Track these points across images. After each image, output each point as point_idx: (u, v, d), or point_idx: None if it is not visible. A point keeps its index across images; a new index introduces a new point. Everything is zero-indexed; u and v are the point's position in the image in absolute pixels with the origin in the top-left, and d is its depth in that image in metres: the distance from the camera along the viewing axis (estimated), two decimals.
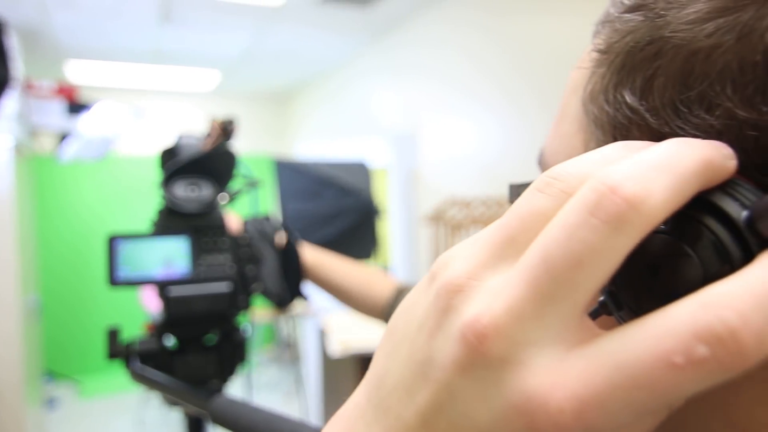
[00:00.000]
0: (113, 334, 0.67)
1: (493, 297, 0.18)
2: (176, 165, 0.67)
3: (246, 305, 0.71)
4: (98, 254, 5.15)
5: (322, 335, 1.54)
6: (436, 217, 1.78)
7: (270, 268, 0.74)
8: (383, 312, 0.86)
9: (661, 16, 0.22)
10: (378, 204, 2.96)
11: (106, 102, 3.74)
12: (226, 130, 0.75)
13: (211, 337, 0.72)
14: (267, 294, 0.73)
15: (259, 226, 0.75)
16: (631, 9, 0.24)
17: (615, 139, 0.24)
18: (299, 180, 2.51)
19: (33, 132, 3.46)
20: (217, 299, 0.67)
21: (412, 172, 3.39)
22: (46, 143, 3.92)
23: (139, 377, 0.64)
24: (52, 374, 4.81)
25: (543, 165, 0.33)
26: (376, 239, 2.62)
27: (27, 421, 2.96)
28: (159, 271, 0.66)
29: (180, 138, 0.71)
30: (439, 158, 3.26)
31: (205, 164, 0.69)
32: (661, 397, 0.15)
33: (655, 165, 0.17)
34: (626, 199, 0.16)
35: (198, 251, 0.68)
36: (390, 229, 3.35)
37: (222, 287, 0.68)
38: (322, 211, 2.35)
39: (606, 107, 0.24)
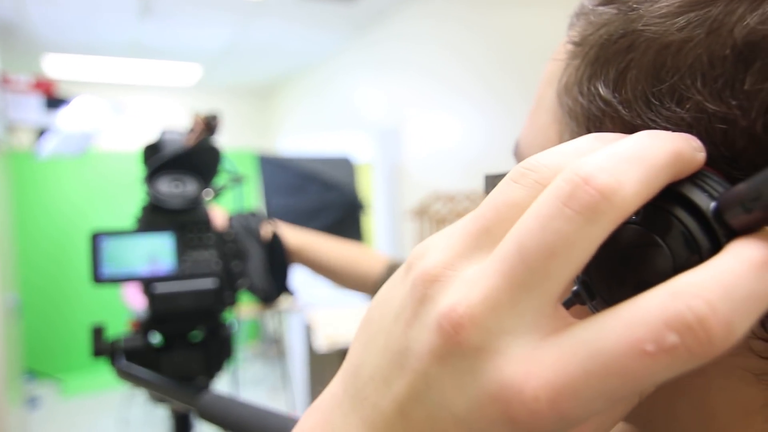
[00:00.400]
0: (98, 332, 0.66)
1: (469, 287, 0.18)
2: (160, 160, 0.67)
3: (232, 301, 0.71)
4: (79, 251, 5.08)
5: (308, 330, 1.54)
6: (421, 212, 1.79)
7: (256, 263, 0.74)
8: (374, 288, 0.86)
9: (634, 9, 0.22)
10: (362, 199, 2.96)
11: (85, 96, 3.68)
12: (209, 125, 0.75)
13: (197, 334, 0.72)
14: (253, 290, 0.73)
15: (244, 222, 0.75)
16: (606, 2, 0.24)
17: (589, 131, 0.24)
18: (283, 175, 2.50)
19: (10, 127, 3.39)
20: (202, 295, 0.67)
21: (395, 166, 3.40)
22: (24, 139, 3.85)
23: (124, 375, 0.64)
24: (33, 373, 4.75)
25: (518, 156, 0.33)
26: (360, 234, 2.62)
27: (9, 422, 2.92)
28: (143, 268, 0.66)
29: (163, 133, 0.70)
30: (423, 153, 3.27)
31: (189, 160, 0.68)
32: (633, 385, 0.15)
33: (626, 156, 0.17)
34: (599, 189, 0.16)
35: (183, 247, 0.68)
36: (374, 223, 3.35)
37: (207, 283, 0.67)
38: (306, 206, 2.35)
39: (580, 99, 0.25)
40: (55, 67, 4.42)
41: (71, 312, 5.05)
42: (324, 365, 1.44)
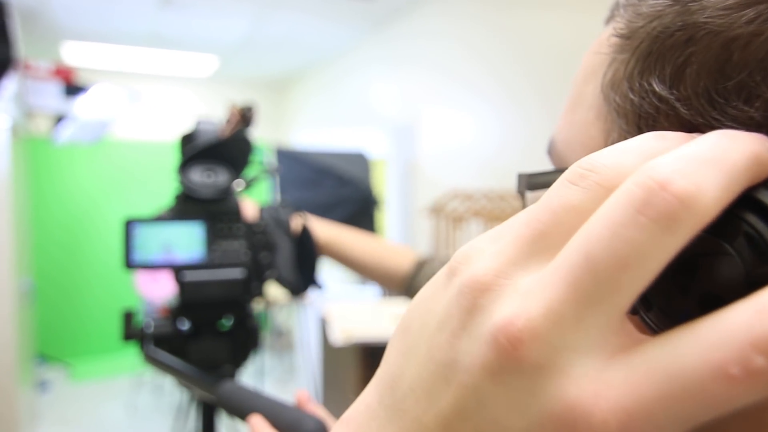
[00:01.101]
0: (128, 317, 0.67)
1: (528, 298, 0.16)
2: (193, 150, 0.67)
3: (259, 292, 0.72)
4: (92, 238, 5.13)
5: (323, 323, 1.55)
6: (437, 209, 1.79)
7: (285, 255, 0.74)
8: (403, 284, 0.86)
9: (693, 0, 0.21)
10: (377, 194, 2.97)
11: (102, 85, 3.70)
12: (245, 116, 0.75)
13: (225, 323, 0.73)
14: (281, 281, 0.74)
15: (275, 214, 0.75)
16: None
17: (640, 129, 0.23)
18: (298, 168, 2.50)
19: (29, 113, 3.42)
20: (230, 285, 0.68)
21: (409, 163, 3.40)
22: (42, 125, 3.89)
23: (151, 360, 0.65)
24: (43, 357, 4.80)
25: (555, 155, 0.32)
26: (374, 229, 2.63)
27: (19, 404, 2.96)
28: (174, 256, 0.66)
29: (198, 123, 0.71)
30: (437, 150, 3.27)
31: (221, 150, 0.69)
32: (712, 410, 0.14)
33: (704, 159, 0.16)
34: (677, 196, 0.15)
35: (213, 237, 0.68)
36: (387, 219, 3.35)
37: (236, 273, 0.68)
38: (321, 200, 2.35)
39: (630, 95, 0.23)
40: (73, 54, 4.45)
41: (82, 298, 5.10)
42: (339, 359, 1.45)
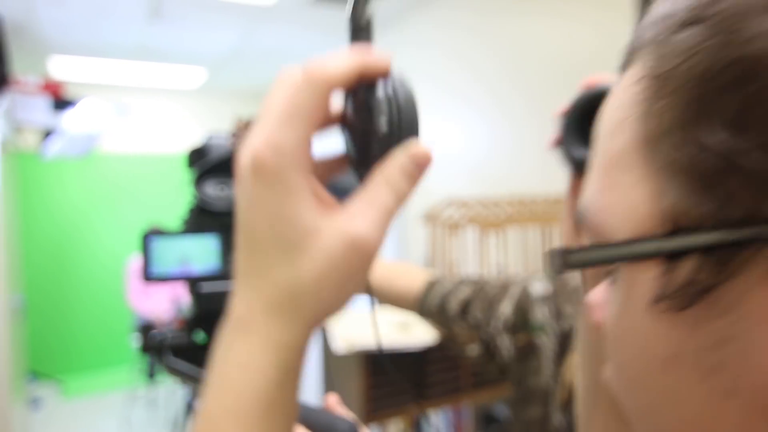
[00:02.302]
0: (146, 329, 0.69)
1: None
2: (207, 164, 0.69)
3: None
4: (82, 253, 5.09)
5: (322, 332, 1.57)
6: (432, 217, 1.82)
7: None
8: (416, 305, 0.88)
9: (736, 29, 0.19)
10: None
11: (91, 99, 3.69)
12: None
13: None
14: None
15: None
16: (688, 24, 0.20)
17: (707, 189, 0.19)
18: None
19: (17, 128, 3.40)
20: None
21: None
22: (30, 140, 3.87)
23: (172, 370, 0.66)
24: (34, 374, 4.74)
25: (591, 225, 0.26)
26: None
27: (13, 421, 2.93)
28: (190, 268, 0.68)
29: (209, 138, 0.73)
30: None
31: (234, 164, 0.71)
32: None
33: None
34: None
35: (228, 249, 0.70)
36: None
37: None
38: None
39: (684, 149, 0.20)
40: (61, 68, 4.44)
41: (73, 314, 5.05)
42: (339, 366, 1.47)
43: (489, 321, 0.81)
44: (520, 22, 2.67)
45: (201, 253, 0.69)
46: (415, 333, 1.47)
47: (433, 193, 3.21)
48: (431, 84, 3.30)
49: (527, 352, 0.74)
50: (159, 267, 0.67)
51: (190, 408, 2.98)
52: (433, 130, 3.26)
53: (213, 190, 0.70)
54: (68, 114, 3.61)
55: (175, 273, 0.67)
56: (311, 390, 1.60)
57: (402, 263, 0.96)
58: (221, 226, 0.70)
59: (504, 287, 0.82)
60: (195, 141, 0.76)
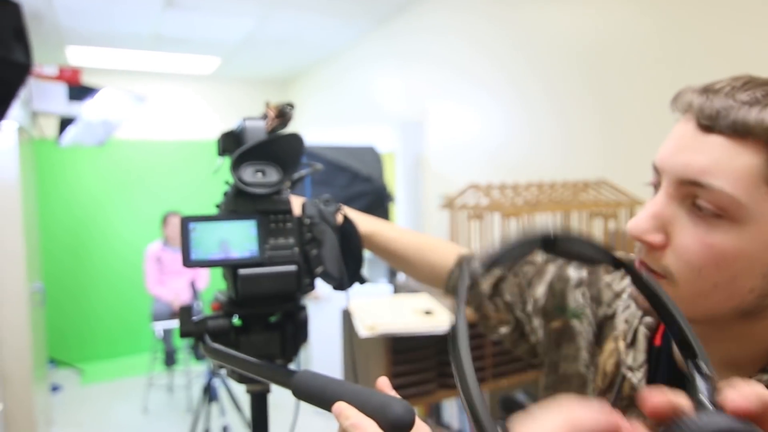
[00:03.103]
0: (185, 312, 0.68)
1: None
2: (244, 149, 0.69)
3: (310, 287, 0.73)
4: (99, 240, 5.13)
5: (345, 317, 1.57)
6: (452, 202, 1.81)
7: (330, 250, 0.75)
8: (445, 282, 0.87)
9: None
10: (389, 189, 2.98)
11: (108, 88, 3.70)
12: (283, 114, 0.76)
13: (275, 317, 0.74)
14: (327, 276, 0.75)
15: (318, 208, 0.77)
16: None
17: None
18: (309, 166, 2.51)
19: (34, 116, 3.42)
20: (284, 280, 0.69)
21: (418, 158, 3.41)
22: (47, 127, 3.89)
23: (214, 353, 0.66)
24: (53, 361, 4.82)
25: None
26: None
27: (34, 407, 2.98)
28: (229, 253, 0.68)
29: (245, 121, 0.72)
30: (445, 144, 3.28)
31: (272, 148, 0.70)
32: None
33: None
34: None
35: (265, 233, 0.70)
36: (397, 213, 3.37)
37: (288, 269, 0.69)
38: (334, 197, 2.36)
39: None
40: (78, 56, 4.45)
41: (90, 301, 5.11)
42: (362, 350, 1.47)
43: (522, 303, 0.81)
44: (538, 8, 2.63)
45: (239, 237, 0.69)
46: (439, 318, 1.46)
47: (450, 179, 3.20)
48: (448, 69, 3.27)
49: (562, 337, 0.73)
50: (197, 252, 0.67)
51: (206, 393, 3.01)
52: (451, 116, 3.24)
53: (250, 174, 0.70)
54: (86, 103, 3.63)
55: (215, 258, 0.67)
56: (333, 374, 1.59)
57: (431, 236, 0.95)
58: (258, 210, 0.70)
59: (539, 269, 0.81)
60: (215, 126, 0.76)
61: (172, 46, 4.31)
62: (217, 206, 0.75)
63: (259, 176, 0.70)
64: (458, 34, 3.19)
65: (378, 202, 2.64)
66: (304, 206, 0.78)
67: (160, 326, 3.89)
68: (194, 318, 0.70)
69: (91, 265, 5.12)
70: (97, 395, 4.33)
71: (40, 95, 3.35)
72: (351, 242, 0.78)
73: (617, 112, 2.19)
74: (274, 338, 0.74)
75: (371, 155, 2.79)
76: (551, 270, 0.79)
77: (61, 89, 3.41)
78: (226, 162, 0.75)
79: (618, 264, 0.44)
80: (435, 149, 3.35)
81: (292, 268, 0.70)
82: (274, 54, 4.68)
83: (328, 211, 0.78)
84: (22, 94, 2.85)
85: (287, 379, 0.59)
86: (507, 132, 2.86)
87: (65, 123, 3.77)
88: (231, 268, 0.69)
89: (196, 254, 0.67)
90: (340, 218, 0.79)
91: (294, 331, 0.75)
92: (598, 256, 0.44)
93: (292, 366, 0.75)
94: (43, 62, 3.36)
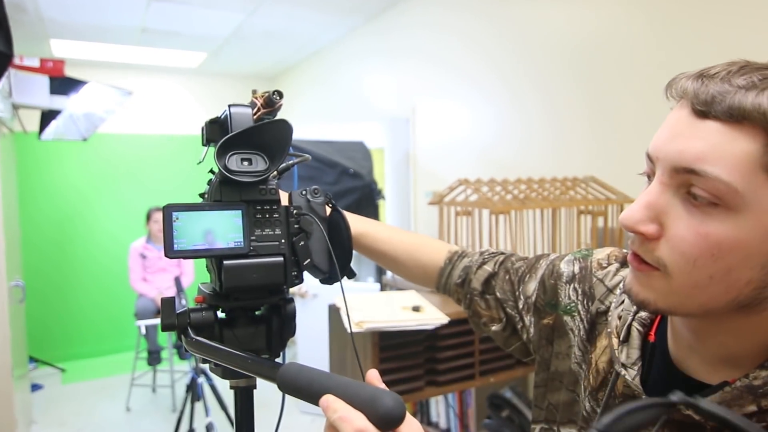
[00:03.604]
0: (168, 304, 0.66)
1: None
2: (230, 136, 0.66)
3: (298, 279, 0.71)
4: (83, 236, 5.05)
5: (332, 313, 1.55)
6: (442, 199, 1.79)
7: (318, 242, 0.73)
8: (435, 278, 0.86)
9: None
10: (379, 185, 2.96)
11: (93, 82, 3.64)
12: (271, 103, 0.74)
13: (261, 310, 0.72)
14: (315, 269, 0.73)
15: (307, 199, 0.75)
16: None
17: None
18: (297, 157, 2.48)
19: (16, 108, 3.35)
20: (270, 272, 0.67)
21: (407, 155, 3.39)
22: (29, 121, 3.81)
23: (197, 346, 0.64)
24: (34, 360, 4.73)
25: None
26: (378, 219, 2.63)
27: (14, 405, 2.92)
28: (213, 243, 0.66)
29: (230, 108, 0.69)
30: (434, 141, 3.27)
31: (258, 136, 0.68)
32: None
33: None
34: None
35: (251, 223, 0.68)
36: (387, 209, 3.36)
37: (275, 260, 0.67)
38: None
39: None
40: (62, 49, 4.38)
41: (73, 298, 5.03)
42: (348, 345, 1.45)
43: (514, 299, 0.79)
44: (529, 4, 2.62)
45: (224, 227, 0.66)
46: (427, 315, 1.45)
47: (439, 176, 3.19)
48: (438, 66, 3.26)
49: (554, 334, 0.72)
50: (180, 243, 0.64)
51: (190, 392, 2.97)
52: (440, 113, 3.22)
53: (235, 163, 0.68)
54: (68, 95, 3.56)
55: (199, 249, 0.65)
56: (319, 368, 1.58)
57: (421, 235, 0.93)
58: (244, 200, 0.68)
59: (530, 265, 0.79)
60: (201, 121, 0.74)
61: (159, 39, 4.25)
62: (201, 195, 0.73)
63: (245, 165, 0.68)
64: (449, 31, 3.18)
65: (367, 199, 2.62)
66: (291, 196, 0.76)
67: (144, 324, 3.84)
68: (177, 311, 0.67)
69: (75, 261, 5.04)
70: (80, 394, 4.26)
71: (21, 88, 3.28)
72: (340, 234, 0.76)
73: (607, 109, 2.19)
74: (260, 332, 0.72)
75: (361, 151, 2.77)
76: (543, 265, 0.78)
77: (43, 82, 3.34)
78: (211, 152, 0.73)
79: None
80: (424, 146, 3.33)
81: (279, 259, 0.68)
82: (262, 48, 4.64)
83: (316, 202, 0.76)
84: (2, 86, 2.79)
85: (272, 372, 0.57)
86: (497, 129, 2.86)
87: (47, 117, 3.70)
88: (215, 258, 0.66)
89: (179, 244, 0.65)
90: (328, 210, 0.77)
91: (280, 325, 0.73)
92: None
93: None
94: (26, 55, 3.29)
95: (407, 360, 1.44)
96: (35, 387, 4.32)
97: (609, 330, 0.63)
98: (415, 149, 3.38)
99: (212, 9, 3.57)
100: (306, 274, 0.74)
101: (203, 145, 0.75)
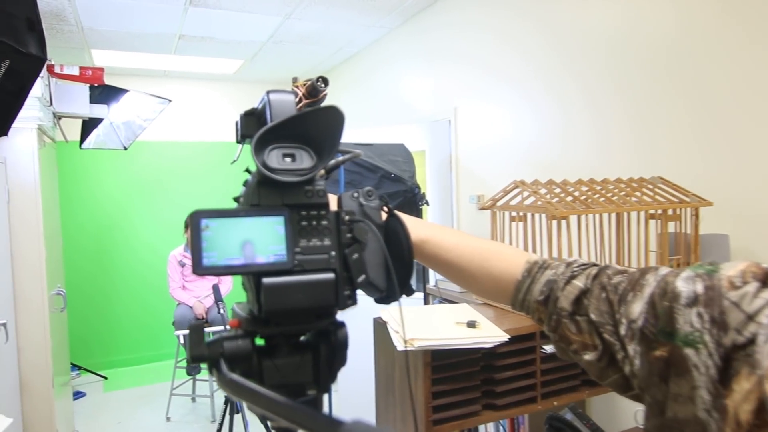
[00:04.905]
0: (196, 331, 0.54)
1: None
2: (269, 127, 0.55)
3: (351, 300, 0.58)
4: (122, 243, 5.09)
5: (378, 327, 1.43)
6: (495, 203, 1.65)
7: (374, 254, 0.61)
8: (511, 296, 0.72)
9: None
10: (422, 189, 2.83)
11: (133, 91, 3.65)
12: (315, 92, 0.62)
13: (307, 336, 0.60)
14: (370, 287, 0.60)
15: (359, 203, 0.62)
16: None
17: None
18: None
19: (56, 118, 3.37)
20: (319, 291, 0.55)
21: (448, 156, 3.25)
22: (69, 130, 3.84)
23: (232, 387, 0.52)
24: (77, 367, 4.77)
25: None
26: None
27: (54, 414, 2.91)
28: (251, 257, 0.54)
29: (269, 95, 0.58)
30: (476, 143, 3.12)
31: (303, 127, 0.56)
32: None
33: None
34: None
35: (295, 233, 0.55)
36: (428, 214, 3.23)
37: (325, 277, 0.55)
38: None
39: None
40: (102, 59, 4.43)
41: (113, 306, 5.06)
42: (401, 364, 1.33)
43: (613, 323, 0.64)
44: (570, 2, 2.47)
45: (263, 238, 0.54)
46: (485, 331, 1.31)
47: (482, 179, 3.04)
48: (478, 66, 3.12)
49: (669, 370, 0.57)
50: (210, 257, 0.52)
51: (229, 404, 2.90)
52: (482, 114, 3.08)
53: (276, 159, 0.56)
54: (108, 104, 3.57)
55: (233, 263, 0.53)
56: (366, 393, 1.46)
57: (494, 241, 0.79)
58: (287, 204, 0.56)
59: (633, 280, 0.64)
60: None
61: (196, 47, 4.24)
62: (236, 199, 0.61)
63: (288, 161, 0.56)
64: (488, 30, 3.04)
65: (410, 204, 2.50)
66: (340, 200, 0.63)
67: (182, 333, 3.80)
68: (207, 338, 0.56)
69: (116, 268, 5.07)
70: (121, 402, 4.26)
71: (62, 97, 3.29)
72: (399, 244, 0.63)
73: (655, 108, 2.03)
74: (306, 362, 0.60)
75: (402, 154, 2.64)
76: (651, 282, 0.63)
77: (83, 91, 3.35)
78: (247, 150, 0.61)
79: None
80: (466, 148, 3.19)
81: (330, 276, 0.56)
82: (298, 53, 4.58)
83: (371, 206, 0.63)
84: (42, 94, 2.79)
85: (335, 430, 0.45)
86: (540, 130, 2.71)
87: (87, 126, 3.72)
88: (253, 276, 0.55)
89: (209, 258, 0.53)
90: (383, 215, 0.65)
91: (330, 354, 0.60)
92: None
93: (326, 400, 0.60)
94: (65, 63, 3.30)
95: (462, 381, 1.31)
96: (78, 394, 4.35)
97: (758, 372, 0.48)
98: (457, 151, 3.24)
99: (248, 13, 3.52)
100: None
101: (237, 142, 0.64)
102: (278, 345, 0.59)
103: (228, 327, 0.60)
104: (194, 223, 0.52)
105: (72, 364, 4.49)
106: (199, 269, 0.52)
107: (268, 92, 0.59)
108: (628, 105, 2.16)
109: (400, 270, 0.63)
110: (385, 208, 0.64)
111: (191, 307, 4.05)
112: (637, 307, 0.62)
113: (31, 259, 2.77)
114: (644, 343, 0.60)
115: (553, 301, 0.69)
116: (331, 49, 4.48)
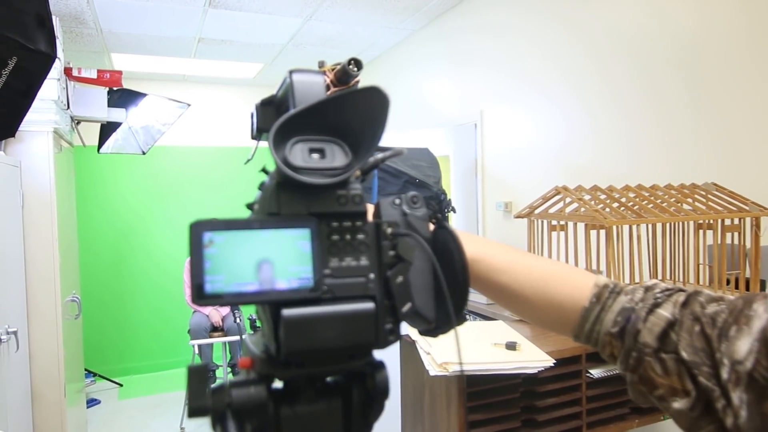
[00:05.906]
0: (197, 375, 0.42)
1: None
2: (292, 114, 0.43)
3: (393, 335, 0.46)
4: (139, 249, 5.04)
5: (405, 347, 1.30)
6: (533, 210, 1.52)
7: (420, 276, 0.48)
8: (576, 325, 0.59)
9: None
10: (448, 195, 2.70)
11: (152, 95, 3.59)
12: (346, 77, 0.50)
13: (338, 379, 0.48)
14: (417, 317, 0.48)
15: (402, 211, 0.50)
16: None
17: None
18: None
19: (74, 122, 3.32)
20: (354, 325, 0.43)
21: (474, 162, 3.12)
22: (87, 134, 3.79)
23: None
24: (92, 374, 4.72)
25: None
26: None
27: (67, 421, 2.83)
28: (265, 281, 0.41)
29: (292, 75, 0.46)
30: (502, 147, 2.99)
31: (335, 114, 0.44)
32: None
33: None
34: None
35: (325, 250, 0.43)
36: (453, 221, 3.10)
37: (362, 308, 0.43)
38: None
39: None
40: (121, 63, 4.39)
41: (129, 312, 5.01)
42: (431, 389, 1.20)
43: (711, 364, 0.51)
44: (599, 4, 2.35)
45: (283, 256, 0.42)
46: (525, 354, 1.18)
47: (509, 185, 2.90)
48: (504, 69, 2.99)
49: None
50: (215, 282, 0.40)
51: None
52: (509, 118, 2.95)
53: (301, 155, 0.43)
54: (126, 108, 3.52)
55: (245, 290, 0.41)
56: (389, 419, 1.33)
57: (554, 261, 0.66)
58: (314, 213, 0.43)
59: (736, 311, 0.51)
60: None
61: (216, 50, 4.18)
62: (249, 207, 0.49)
63: (316, 158, 0.44)
64: (513, 32, 2.92)
65: (437, 208, 2.37)
66: (379, 208, 0.50)
67: (197, 344, 3.72)
68: (211, 384, 0.44)
69: (132, 274, 5.02)
70: (135, 410, 4.19)
71: (80, 101, 3.24)
72: (451, 263, 0.50)
73: (688, 111, 1.91)
74: (334, 410, 0.47)
75: (426, 159, 2.52)
76: (761, 313, 0.50)
77: (101, 95, 3.30)
78: (265, 149, 0.48)
79: None
80: (493, 153, 3.06)
81: (369, 306, 0.43)
82: (319, 56, 4.50)
83: (416, 215, 0.50)
84: (59, 98, 2.73)
85: None
86: (568, 134, 2.58)
87: (105, 130, 3.67)
88: (270, 306, 0.43)
89: (213, 283, 0.41)
90: (431, 227, 0.52)
91: (365, 400, 0.48)
92: None
93: None
94: (84, 66, 3.25)
95: (500, 410, 1.17)
96: (93, 402, 4.28)
97: None
98: (483, 156, 3.10)
99: (269, 14, 3.44)
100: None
101: (253, 137, 0.52)
102: (300, 388, 0.47)
103: (240, 361, 0.48)
104: (194, 237, 0.40)
105: (87, 370, 4.43)
106: (201, 298, 0.40)
107: (290, 71, 0.47)
108: (659, 107, 2.05)
109: (452, 295, 0.50)
110: (435, 219, 0.52)
111: (207, 315, 3.96)
112: (743, 345, 0.48)
113: (45, 266, 2.70)
114: (754, 391, 0.47)
115: (631, 335, 0.56)
116: (352, 52, 4.38)
